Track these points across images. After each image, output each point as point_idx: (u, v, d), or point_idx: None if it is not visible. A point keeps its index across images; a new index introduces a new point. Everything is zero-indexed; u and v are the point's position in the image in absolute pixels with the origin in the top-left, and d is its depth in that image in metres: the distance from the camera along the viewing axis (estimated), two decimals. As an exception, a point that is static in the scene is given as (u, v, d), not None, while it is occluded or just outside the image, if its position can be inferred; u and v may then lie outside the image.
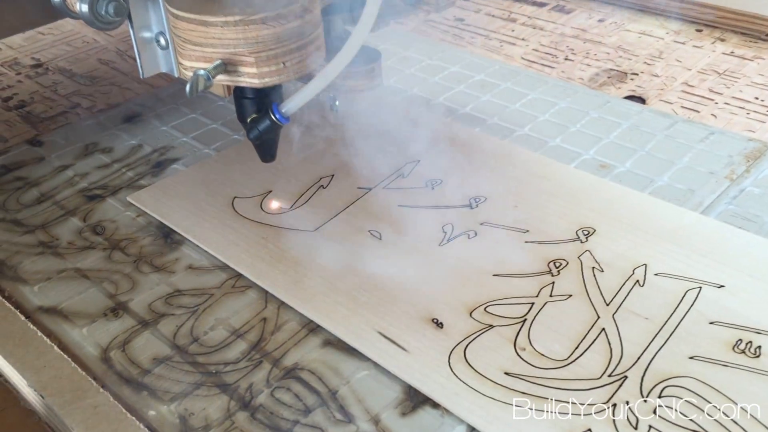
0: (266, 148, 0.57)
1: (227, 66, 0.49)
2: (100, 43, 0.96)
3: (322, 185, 0.64)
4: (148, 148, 0.72)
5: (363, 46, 0.52)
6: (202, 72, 0.48)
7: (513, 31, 0.93)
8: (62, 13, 0.56)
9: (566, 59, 0.86)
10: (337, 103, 0.62)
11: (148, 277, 0.56)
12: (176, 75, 0.55)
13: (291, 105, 0.53)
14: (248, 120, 0.55)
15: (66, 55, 0.93)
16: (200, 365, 0.49)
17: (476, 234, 0.58)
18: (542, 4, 1.00)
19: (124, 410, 0.45)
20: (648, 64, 0.83)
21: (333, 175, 0.65)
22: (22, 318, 0.52)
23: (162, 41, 0.54)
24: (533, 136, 0.70)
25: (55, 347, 0.49)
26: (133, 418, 0.44)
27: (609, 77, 0.81)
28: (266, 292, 0.54)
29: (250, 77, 0.50)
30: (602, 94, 0.77)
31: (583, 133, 0.70)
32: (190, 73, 0.50)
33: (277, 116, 0.53)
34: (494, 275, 0.54)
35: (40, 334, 0.51)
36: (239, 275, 0.56)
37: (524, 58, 0.86)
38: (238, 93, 0.54)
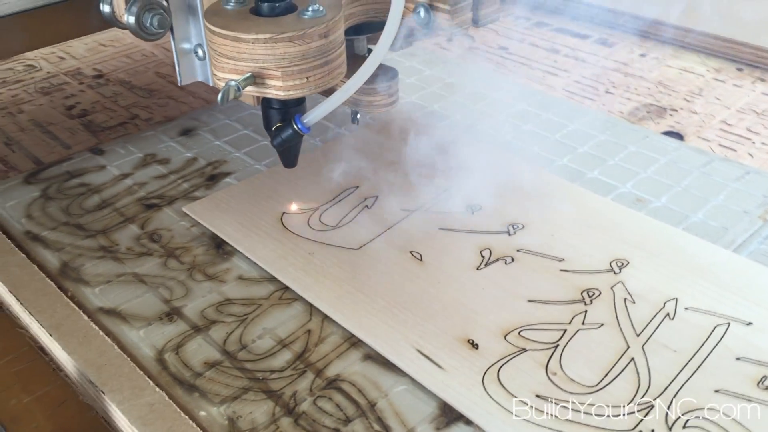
0: (288, 154, 0.63)
1: (256, 78, 0.55)
2: (158, 57, 1.01)
3: (367, 205, 0.67)
4: (203, 161, 0.76)
5: (382, 65, 0.59)
6: (233, 83, 0.54)
7: (555, 62, 0.96)
8: (112, 23, 0.61)
9: (607, 92, 0.88)
10: (358, 116, 0.67)
11: (201, 285, 0.60)
12: (211, 84, 0.61)
13: (312, 116, 0.59)
14: (273, 128, 0.60)
15: (126, 67, 0.98)
16: (248, 371, 0.52)
17: (513, 260, 0.60)
18: (585, 37, 1.02)
19: (177, 409, 0.48)
20: (687, 101, 0.85)
21: (377, 196, 0.68)
22: (85, 318, 0.56)
23: (200, 53, 0.60)
24: (572, 167, 0.73)
25: (116, 347, 0.53)
26: (187, 417, 0.48)
27: (648, 112, 0.83)
28: (311, 305, 0.57)
29: (276, 89, 0.55)
30: (641, 128, 0.79)
31: (620, 166, 0.72)
32: (222, 84, 0.56)
33: (299, 126, 0.59)
34: (529, 301, 0.56)
35: (101, 333, 0.54)
36: (286, 288, 0.59)
37: (566, 89, 0.89)
38: (265, 103, 0.60)
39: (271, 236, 0.64)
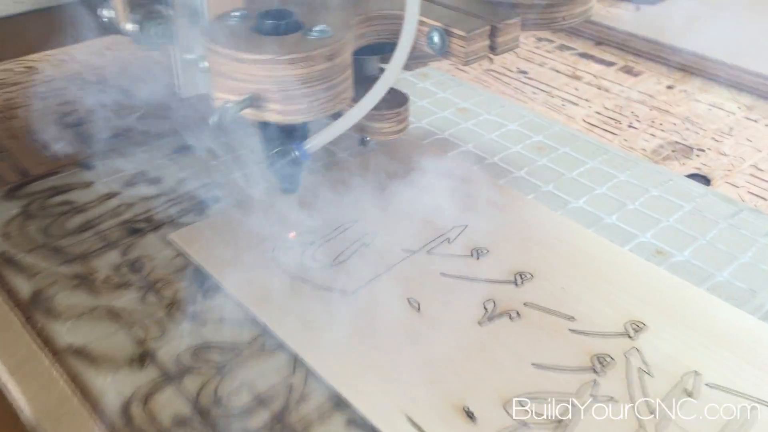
0: (287, 179, 0.59)
1: (254, 100, 0.51)
2: (163, 65, 0.96)
3: (365, 243, 0.63)
4: (196, 183, 0.71)
5: (392, 90, 0.55)
6: (229, 104, 0.50)
7: (577, 90, 0.91)
8: (111, 30, 0.58)
9: (630, 126, 0.83)
10: (368, 138, 0.64)
11: (179, 325, 0.55)
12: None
13: (315, 142, 0.55)
14: (271, 153, 0.56)
15: (129, 74, 0.94)
16: None
17: (519, 315, 0.55)
18: (610, 64, 0.97)
19: (137, 473, 0.44)
20: (716, 141, 0.80)
21: (377, 233, 0.64)
22: (50, 359, 0.51)
23: (204, 64, 0.56)
24: (588, 210, 0.68)
25: (77, 396, 0.49)
26: (146, 484, 0.43)
27: (673, 151, 0.78)
28: (295, 356, 0.52)
29: (275, 113, 0.51)
30: (665, 169, 0.74)
31: (641, 212, 0.67)
32: (219, 104, 0.52)
33: (299, 152, 0.55)
34: (533, 364, 0.51)
35: (65, 377, 0.50)
36: (270, 333, 0.54)
37: (586, 121, 0.84)
38: (263, 126, 0.56)
39: (260, 273, 0.59)
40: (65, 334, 0.54)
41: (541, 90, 0.91)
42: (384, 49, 0.60)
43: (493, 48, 0.59)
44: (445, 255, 0.61)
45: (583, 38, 1.03)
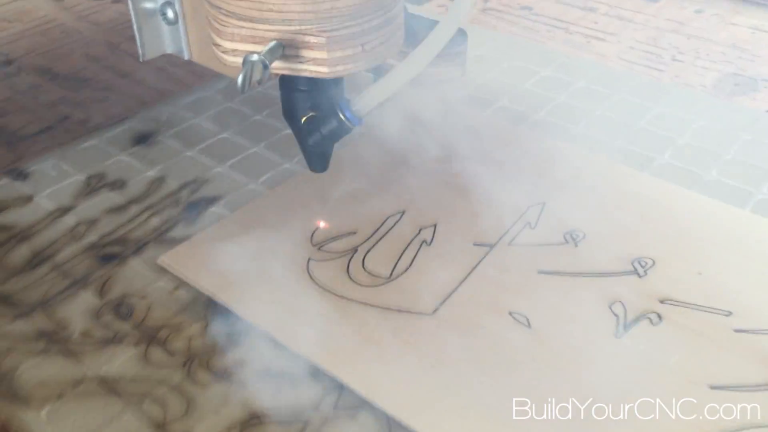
0: (319, 154, 0.44)
1: (285, 49, 0.37)
2: (84, 34, 0.77)
3: (425, 240, 0.48)
4: (174, 183, 0.54)
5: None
6: (256, 57, 0.36)
7: (596, 23, 0.77)
8: None
9: (674, 60, 0.70)
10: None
11: (209, 391, 0.39)
12: (186, 57, 0.46)
13: (365, 101, 0.41)
14: (303, 120, 0.42)
15: (42, 49, 0.74)
16: None
17: (660, 318, 0.42)
18: (622, -10, 0.84)
19: None
20: (778, 68, 0.69)
21: (435, 225, 0.49)
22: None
23: (170, 14, 0.45)
24: (679, 167, 0.55)
25: None
26: None
27: (737, 84, 0.66)
28: (387, 417, 0.37)
29: (317, 64, 0.37)
30: (747, 109, 0.62)
31: (743, 163, 0.55)
32: (230, 59, 0.39)
33: (347, 116, 0.41)
34: (711, 387, 0.38)
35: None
36: (342, 387, 0.39)
37: (622, 58, 0.71)
38: (287, 84, 0.42)
39: (298, 297, 0.44)
40: (44, 426, 0.37)
41: (556, 27, 0.77)
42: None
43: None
44: (533, 245, 0.47)
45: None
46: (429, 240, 0.48)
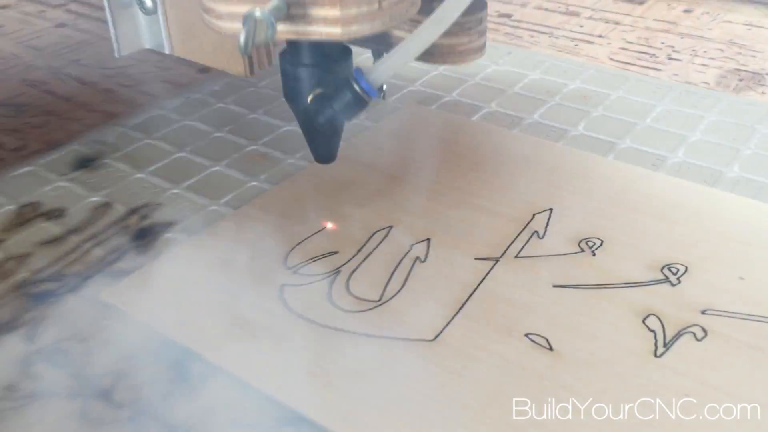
0: (327, 140, 0.39)
1: (291, 8, 0.31)
2: (24, 59, 0.70)
3: (419, 257, 0.41)
4: (121, 209, 0.47)
5: None
6: (258, 13, 0.30)
7: (582, 27, 0.72)
8: None
9: (670, 59, 0.65)
10: (384, 87, 0.41)
11: (164, 451, 0.31)
12: (167, 51, 0.40)
13: (380, 70, 0.35)
14: (310, 98, 0.37)
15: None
16: None
17: (705, 333, 0.35)
18: (604, -6, 0.79)
19: None
20: (781, 61, 0.64)
21: (429, 240, 0.42)
22: None
23: (147, 2, 0.39)
24: (694, 164, 0.49)
25: None
26: None
27: (741, 79, 0.61)
28: (390, 470, 0.30)
29: (329, 24, 0.32)
30: (760, 102, 0.57)
31: (763, 156, 0.49)
32: (226, 25, 0.32)
33: (363, 87, 0.35)
34: (781, 410, 0.31)
35: None
36: (329, 436, 0.31)
37: (614, 59, 0.65)
38: (291, 59, 0.37)
39: (275, 330, 0.36)
40: None
41: (540, 32, 0.71)
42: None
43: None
44: (544, 256, 0.40)
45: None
46: (423, 257, 0.41)
